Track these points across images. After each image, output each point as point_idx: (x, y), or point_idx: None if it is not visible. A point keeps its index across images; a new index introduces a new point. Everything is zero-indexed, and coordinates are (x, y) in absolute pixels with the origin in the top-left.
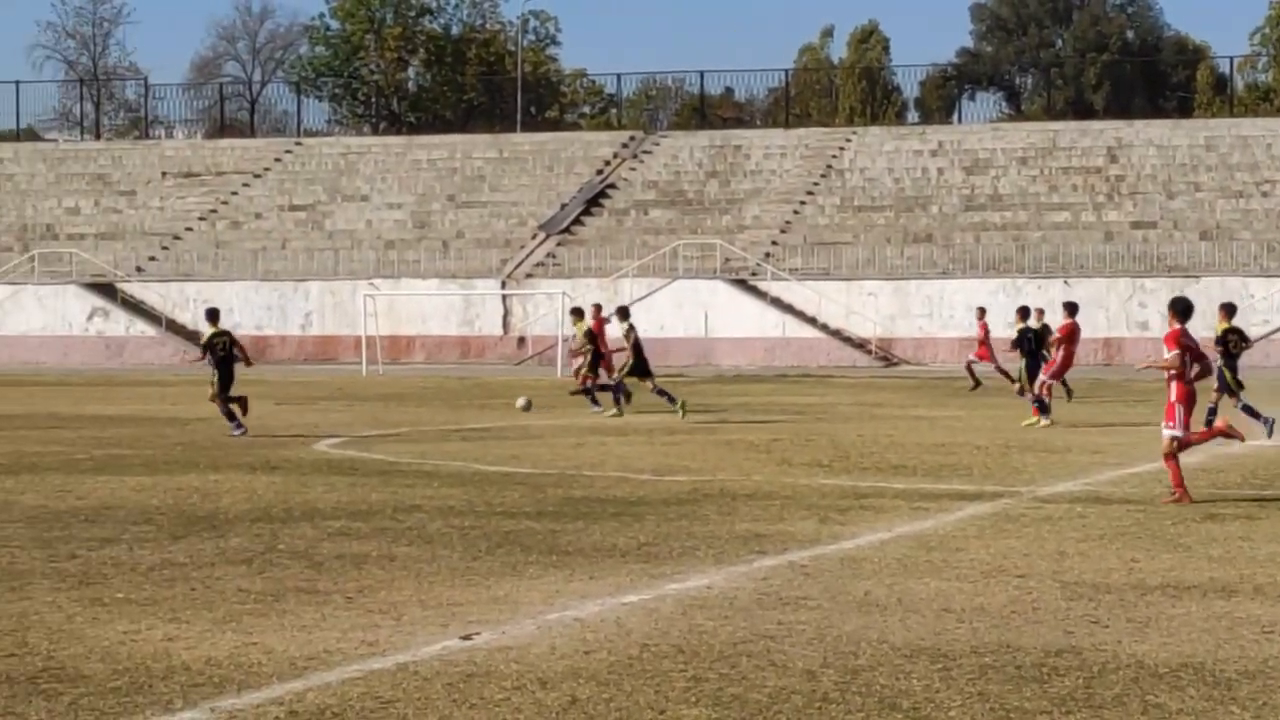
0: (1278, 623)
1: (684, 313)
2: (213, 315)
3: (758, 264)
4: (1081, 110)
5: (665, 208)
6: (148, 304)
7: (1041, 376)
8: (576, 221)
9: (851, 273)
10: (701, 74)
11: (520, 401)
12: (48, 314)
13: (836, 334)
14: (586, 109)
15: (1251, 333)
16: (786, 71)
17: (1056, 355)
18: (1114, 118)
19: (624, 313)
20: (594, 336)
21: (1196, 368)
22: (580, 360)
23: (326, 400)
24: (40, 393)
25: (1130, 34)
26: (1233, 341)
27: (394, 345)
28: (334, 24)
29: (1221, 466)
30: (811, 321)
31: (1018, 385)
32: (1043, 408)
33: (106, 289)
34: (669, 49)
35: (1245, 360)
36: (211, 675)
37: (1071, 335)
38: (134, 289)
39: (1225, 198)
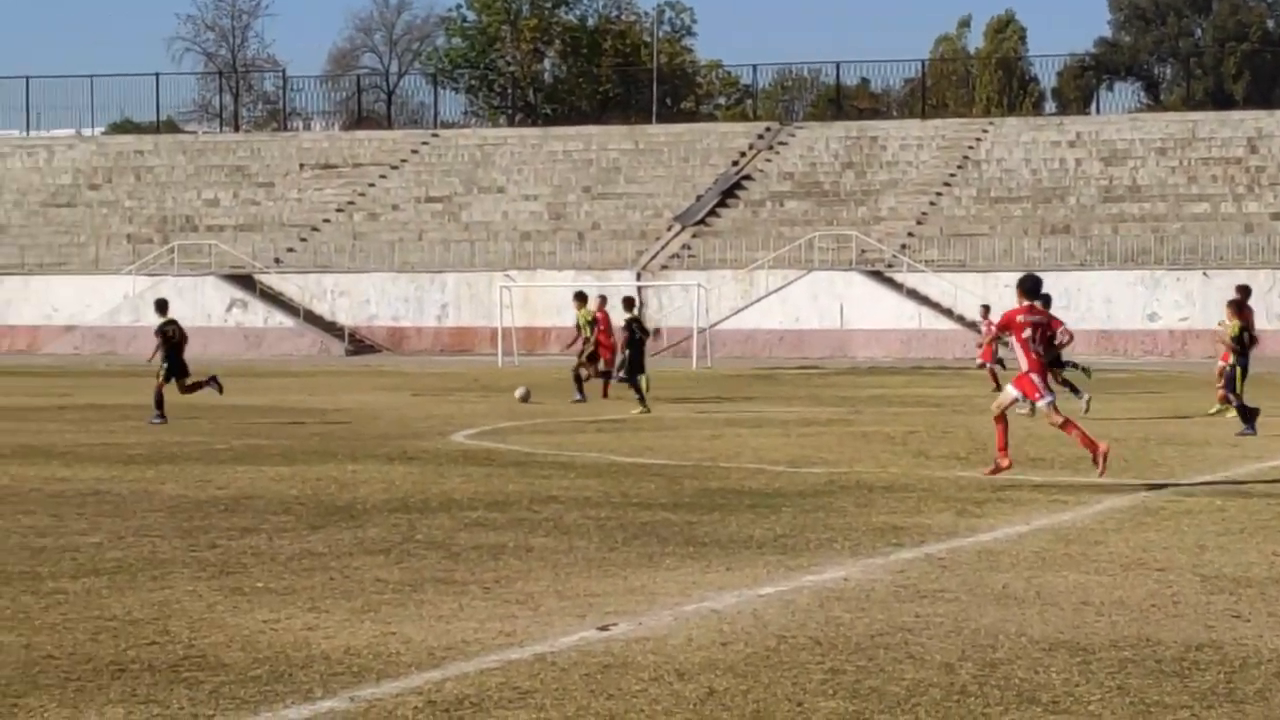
0: None
1: (819, 304)
2: (162, 306)
3: (894, 255)
4: (1221, 100)
5: (801, 199)
6: (286, 295)
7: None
8: (712, 213)
9: (988, 264)
10: (837, 65)
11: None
12: (187, 305)
13: (973, 326)
14: (722, 100)
15: None
16: (923, 62)
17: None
18: (1254, 108)
19: (628, 303)
20: (594, 325)
21: (1066, 338)
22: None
23: (462, 391)
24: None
25: (1270, 23)
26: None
27: (529, 336)
28: (470, 15)
29: None
30: (948, 313)
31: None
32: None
33: (245, 280)
34: (805, 40)
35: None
36: (350, 664)
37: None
38: (272, 280)
39: None
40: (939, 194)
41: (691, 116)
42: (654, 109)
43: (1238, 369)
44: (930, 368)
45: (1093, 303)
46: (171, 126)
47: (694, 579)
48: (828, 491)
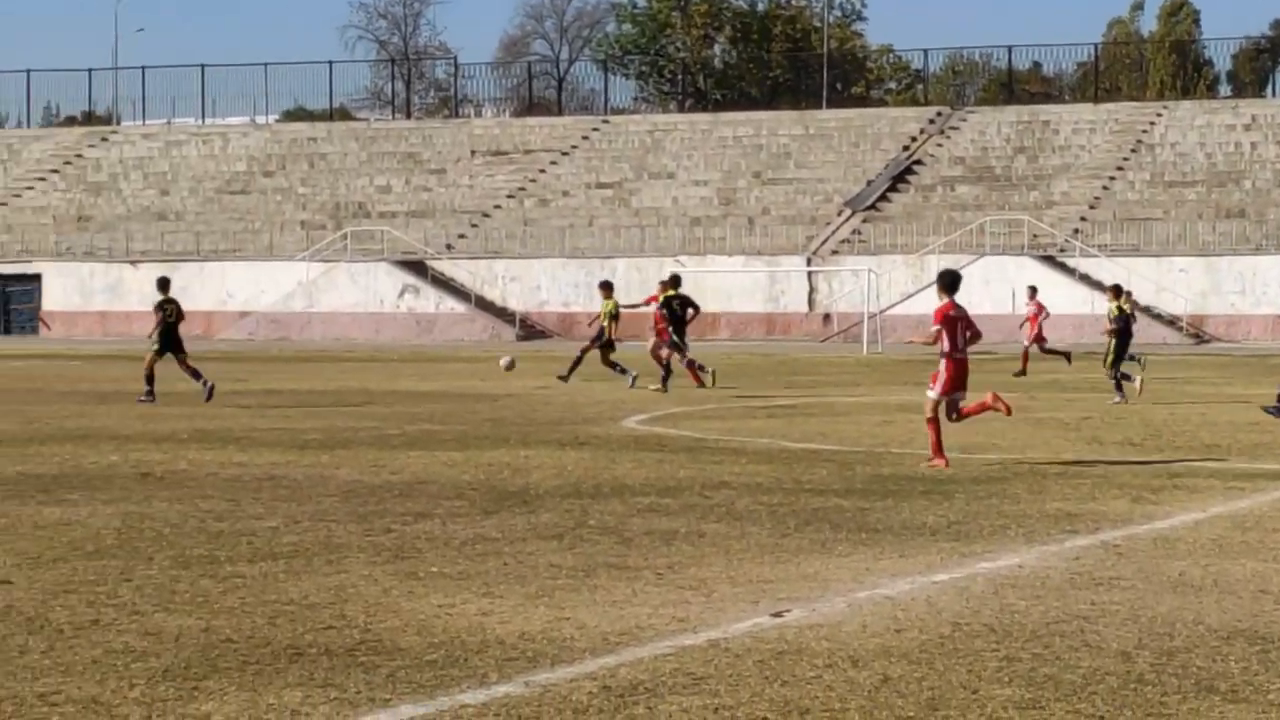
0: None
1: (991, 290)
2: (163, 284)
3: (1066, 240)
4: None
5: (972, 184)
6: (457, 281)
7: None
8: (882, 198)
9: (1162, 249)
10: (1009, 49)
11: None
12: (360, 291)
13: (1146, 311)
14: (893, 85)
15: None
16: (1095, 45)
17: None
18: None
19: (674, 281)
20: (616, 317)
21: (969, 334)
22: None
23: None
24: (353, 369)
25: None
26: None
27: (699, 321)
28: (641, 2)
29: None
30: None
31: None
32: None
33: (417, 266)
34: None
35: None
36: (525, 649)
37: None
38: (444, 266)
39: None
40: (1112, 178)
41: (862, 101)
42: (824, 94)
43: None
44: (1103, 353)
45: (1268, 287)
46: (344, 114)
47: (867, 565)
48: (1001, 478)
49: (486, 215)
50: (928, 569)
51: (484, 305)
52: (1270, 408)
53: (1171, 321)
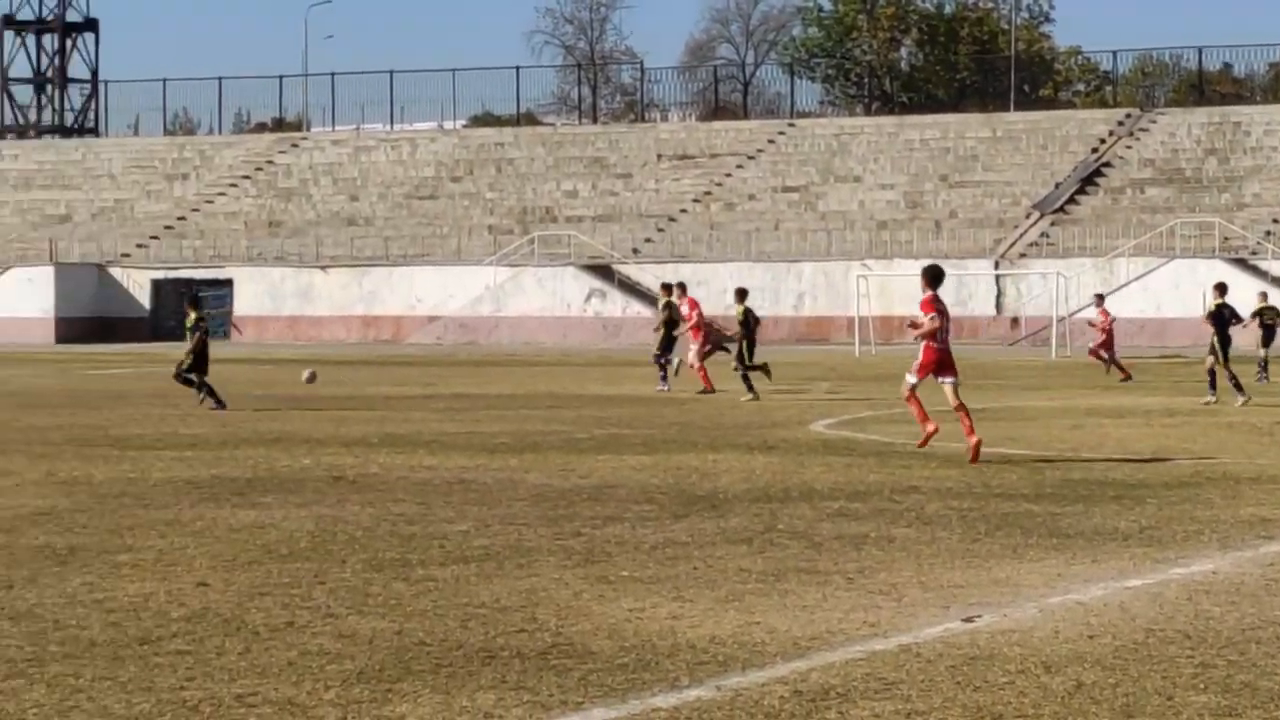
0: None
1: (1181, 293)
2: (195, 301)
3: (1258, 242)
4: None
5: (1162, 186)
6: (643, 285)
7: None
8: (1071, 201)
9: None
10: (1199, 49)
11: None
12: (547, 295)
13: None
14: (1081, 86)
15: None
16: None
17: None
18: None
19: (741, 294)
20: (676, 315)
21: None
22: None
23: (819, 381)
24: (540, 373)
25: None
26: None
27: (886, 325)
28: (826, 5)
29: None
30: None
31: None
32: None
33: (604, 270)
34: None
35: None
36: (716, 653)
37: None
38: (630, 270)
39: None
40: None
41: (1050, 103)
42: (1012, 96)
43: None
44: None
45: None
46: (531, 119)
47: (1059, 571)
48: (1193, 483)
49: (672, 219)
50: (1120, 574)
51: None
52: None
53: None
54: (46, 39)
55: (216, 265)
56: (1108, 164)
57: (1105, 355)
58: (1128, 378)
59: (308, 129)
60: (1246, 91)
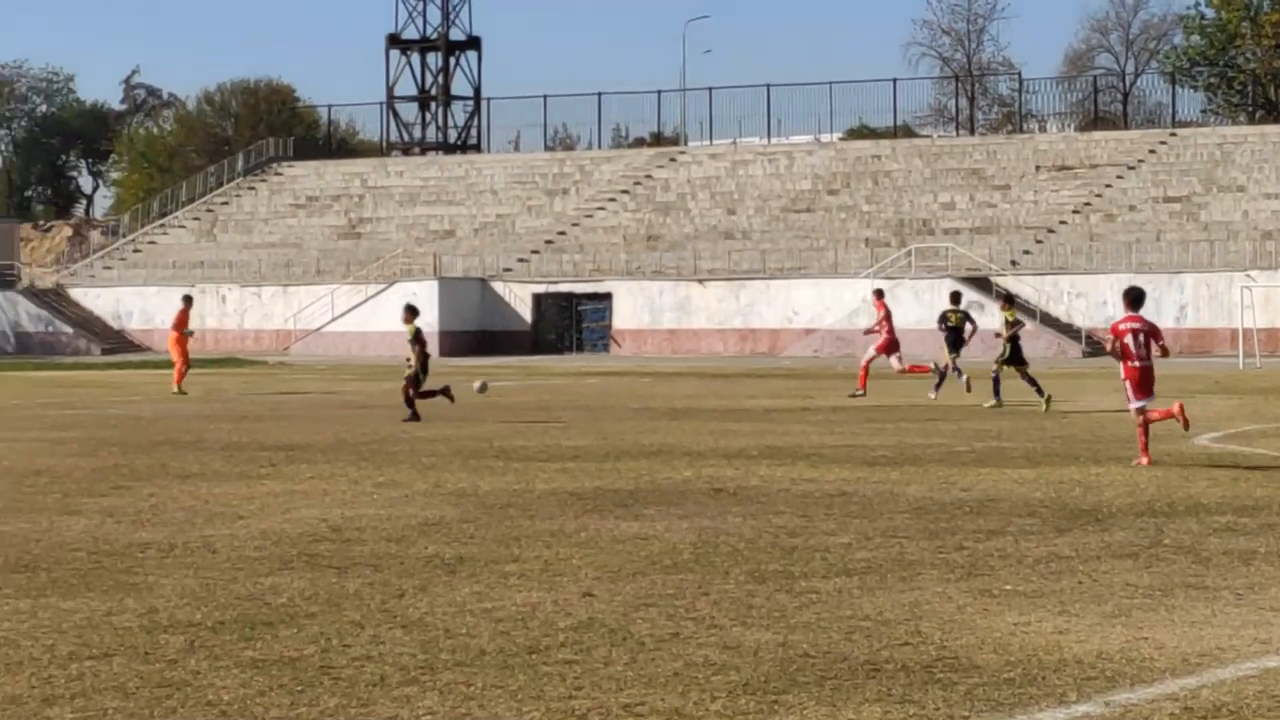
0: None
1: None
2: (412, 311)
3: None
4: None
5: None
6: (1022, 297)
7: None
8: None
9: None
10: None
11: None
12: (923, 308)
13: None
14: None
15: None
16: None
17: None
18: None
19: (1007, 300)
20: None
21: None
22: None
23: (1203, 394)
24: (919, 386)
25: None
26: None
27: (1270, 338)
28: (1209, 12)
29: None
30: None
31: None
32: None
33: (981, 283)
34: None
35: None
36: (1103, 669)
37: None
38: (1008, 282)
39: None
40: None
41: None
42: None
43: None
44: None
45: None
46: (908, 131)
47: None
48: None
49: (1051, 231)
50: None
51: (1049, 321)
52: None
53: None
54: (431, 57)
55: (596, 279)
56: None
57: None
58: None
59: (685, 143)
60: None
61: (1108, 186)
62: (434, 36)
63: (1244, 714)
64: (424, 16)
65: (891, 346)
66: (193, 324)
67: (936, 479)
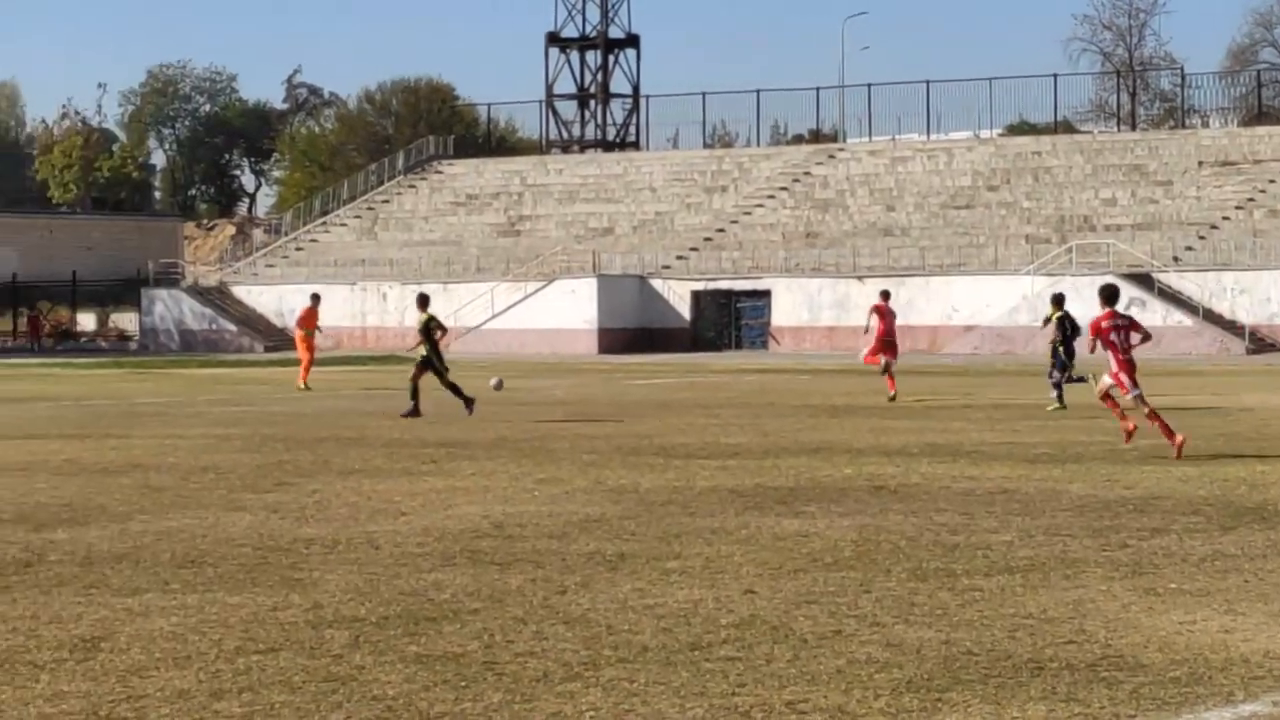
0: None
1: None
2: (423, 301)
3: None
4: None
5: None
6: (1184, 294)
7: None
8: None
9: None
10: None
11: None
12: (1084, 305)
13: None
14: None
15: None
16: None
17: None
18: None
19: (1058, 301)
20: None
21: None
22: None
23: None
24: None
25: None
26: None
27: None
28: None
29: None
30: None
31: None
32: None
33: (1143, 279)
34: None
35: None
36: (1270, 668)
37: None
38: (1170, 279)
39: None
40: None
41: None
42: None
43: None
44: None
45: None
46: (1068, 127)
47: None
48: None
49: (1214, 227)
50: None
51: (1212, 318)
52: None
53: None
54: (590, 55)
55: (755, 276)
56: None
57: None
58: None
59: (844, 140)
60: None
61: (1271, 182)
62: (593, 34)
63: None
64: (583, 14)
65: (888, 348)
66: (353, 322)
67: (1099, 476)
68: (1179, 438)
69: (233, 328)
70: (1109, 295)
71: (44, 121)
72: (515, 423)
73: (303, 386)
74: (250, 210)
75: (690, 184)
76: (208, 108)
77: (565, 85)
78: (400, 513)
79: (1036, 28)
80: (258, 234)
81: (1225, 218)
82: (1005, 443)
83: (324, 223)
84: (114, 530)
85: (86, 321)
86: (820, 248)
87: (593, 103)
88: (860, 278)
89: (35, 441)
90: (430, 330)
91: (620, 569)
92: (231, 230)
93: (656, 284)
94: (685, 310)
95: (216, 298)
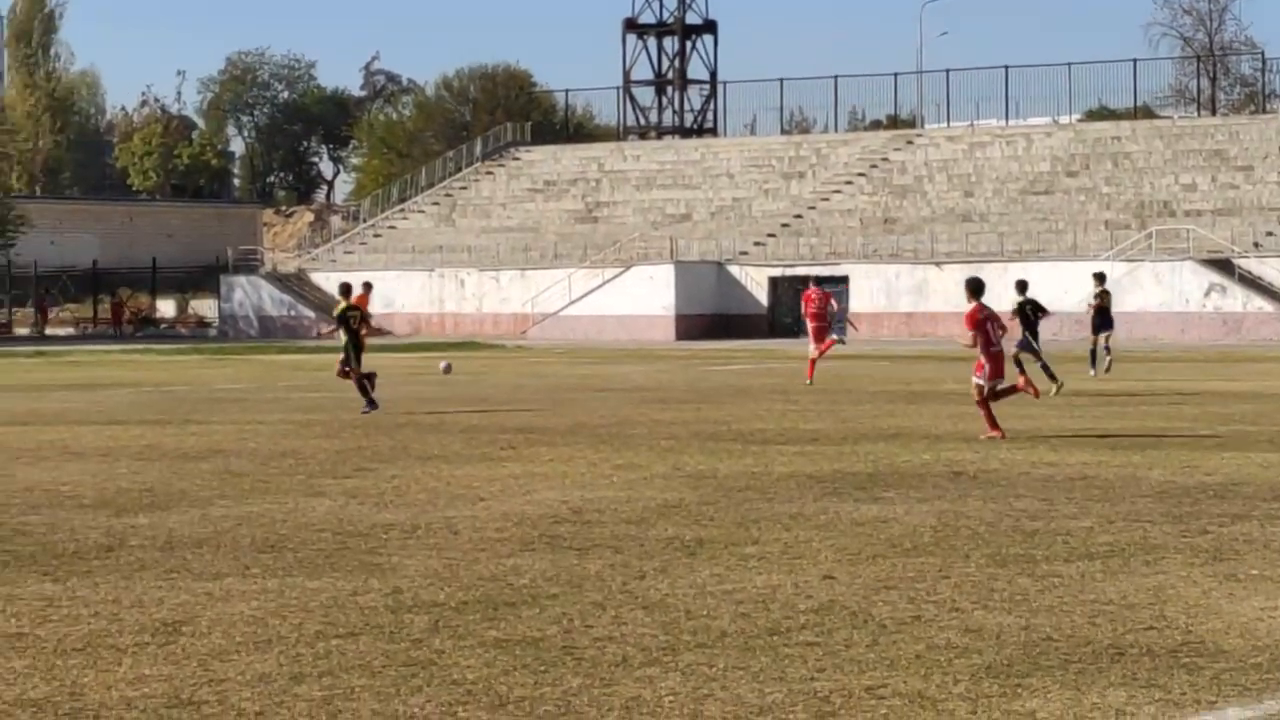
0: None
1: None
2: (345, 290)
3: None
4: None
5: None
6: (1265, 280)
7: None
8: None
9: None
10: None
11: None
12: (1164, 290)
13: None
14: None
15: None
16: None
17: None
18: None
19: (1021, 286)
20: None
21: (1000, 330)
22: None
23: None
24: (1159, 369)
25: None
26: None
27: None
28: None
29: None
30: None
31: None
32: None
33: (1223, 265)
34: None
35: None
36: None
37: None
38: (1251, 265)
39: None
40: None
41: None
42: None
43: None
44: None
45: None
46: (1148, 112)
47: None
48: None
49: None
50: None
51: None
52: None
53: None
54: (667, 41)
55: (832, 262)
56: None
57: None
58: None
59: (922, 126)
60: None
61: None
62: (670, 21)
63: None
64: (660, 1)
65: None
66: (430, 308)
67: (1179, 463)
68: (999, 432)
69: (311, 314)
70: (976, 288)
71: (124, 109)
72: (593, 409)
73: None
74: (328, 197)
75: (768, 170)
76: (286, 95)
77: (643, 71)
78: (479, 498)
79: (1115, 12)
80: (336, 221)
81: None
82: (1085, 429)
83: (402, 209)
84: (195, 515)
85: (166, 308)
86: (898, 234)
87: (670, 89)
88: (938, 264)
89: (117, 427)
90: (349, 319)
91: (698, 554)
92: (310, 217)
93: (734, 270)
94: (762, 296)
95: (295, 284)
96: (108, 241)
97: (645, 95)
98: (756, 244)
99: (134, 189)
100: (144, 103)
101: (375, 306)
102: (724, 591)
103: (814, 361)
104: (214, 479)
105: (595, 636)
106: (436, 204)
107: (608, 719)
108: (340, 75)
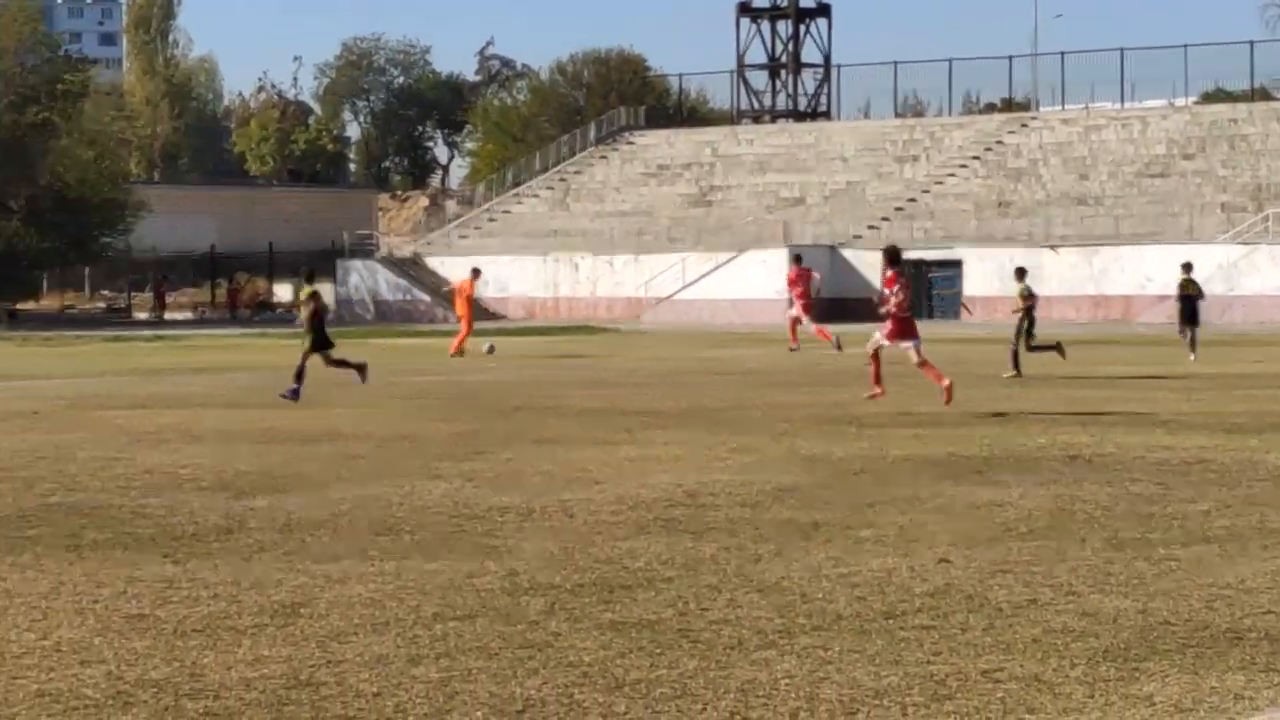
0: None
1: None
2: (308, 276)
3: None
4: None
5: None
6: None
7: None
8: None
9: None
10: None
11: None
12: None
13: None
14: None
15: None
16: None
17: None
18: None
19: (1021, 272)
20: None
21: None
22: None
23: None
24: (1276, 351)
25: None
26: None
27: None
28: None
29: None
30: None
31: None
32: None
33: None
34: None
35: None
36: None
37: None
38: None
39: None
40: None
41: None
42: None
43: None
44: None
45: None
46: (1265, 94)
47: None
48: None
49: None
50: None
51: None
52: None
53: None
54: (781, 25)
55: (946, 246)
56: None
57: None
58: None
59: (1037, 108)
60: None
61: None
62: (784, 4)
63: None
64: None
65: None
66: (545, 292)
67: None
68: (946, 382)
69: (426, 298)
70: (893, 256)
71: (241, 95)
72: (709, 392)
73: (455, 353)
74: (443, 182)
75: (881, 154)
76: (401, 80)
77: (756, 55)
78: (594, 481)
79: None
80: (451, 205)
81: None
82: (1201, 412)
83: (516, 194)
84: (313, 498)
85: (283, 292)
86: (1012, 217)
87: (784, 73)
88: (1053, 247)
89: (235, 410)
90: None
91: (814, 537)
92: (425, 202)
93: (848, 254)
94: (877, 280)
95: (411, 268)
96: (225, 226)
97: (759, 79)
98: (870, 228)
99: (251, 174)
100: (261, 88)
101: (489, 291)
102: (839, 575)
103: (795, 323)
104: (332, 462)
105: (710, 619)
106: (551, 188)
107: (723, 702)
108: (455, 60)
